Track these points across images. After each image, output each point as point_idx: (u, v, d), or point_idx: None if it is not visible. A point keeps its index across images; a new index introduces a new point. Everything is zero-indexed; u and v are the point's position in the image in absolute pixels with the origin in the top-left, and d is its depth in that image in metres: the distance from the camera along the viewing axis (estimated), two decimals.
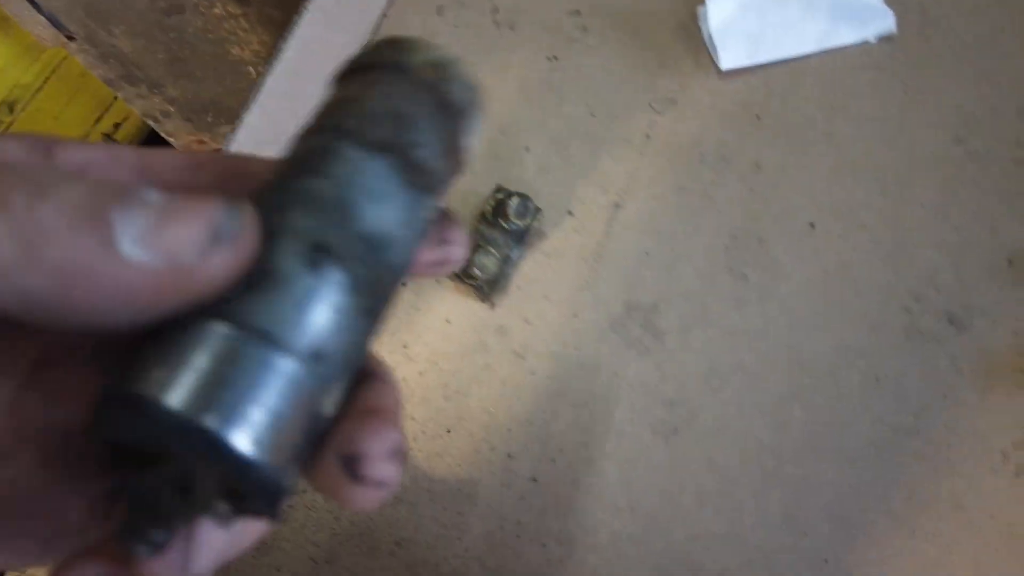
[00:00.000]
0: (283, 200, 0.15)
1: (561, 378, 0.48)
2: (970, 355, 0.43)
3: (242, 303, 0.14)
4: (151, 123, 0.98)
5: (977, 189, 0.47)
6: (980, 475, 0.41)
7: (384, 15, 0.59)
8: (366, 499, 0.15)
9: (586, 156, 0.51)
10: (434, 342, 0.50)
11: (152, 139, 1.05)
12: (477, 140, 0.20)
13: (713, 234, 0.48)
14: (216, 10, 0.82)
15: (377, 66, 0.18)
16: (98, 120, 1.04)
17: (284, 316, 0.14)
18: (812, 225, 0.47)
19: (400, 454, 0.15)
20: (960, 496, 0.41)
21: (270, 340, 0.14)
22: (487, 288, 0.48)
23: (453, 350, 0.49)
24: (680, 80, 0.52)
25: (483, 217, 0.49)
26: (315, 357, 0.14)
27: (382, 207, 0.16)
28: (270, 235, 0.14)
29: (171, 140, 0.99)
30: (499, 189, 0.49)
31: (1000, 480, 0.42)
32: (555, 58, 0.54)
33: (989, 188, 0.47)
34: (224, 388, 0.13)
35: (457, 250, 0.18)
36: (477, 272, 0.47)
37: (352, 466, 0.15)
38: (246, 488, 0.14)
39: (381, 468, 0.15)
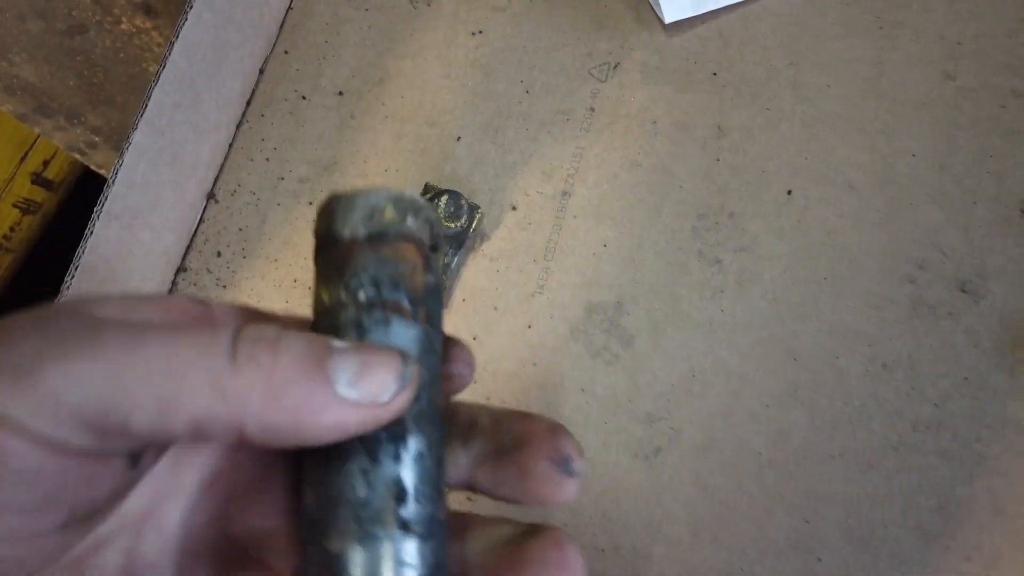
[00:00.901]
0: None
1: (520, 400, 0.41)
2: (990, 327, 0.37)
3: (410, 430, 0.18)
4: (78, 156, 0.91)
5: (976, 131, 0.40)
6: (1020, 470, 0.34)
7: (290, 7, 0.52)
8: (577, 490, 0.19)
9: (525, 140, 0.44)
10: None
11: (86, 175, 0.98)
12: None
13: (677, 214, 0.41)
14: (123, 26, 0.75)
15: (341, 241, 0.19)
16: (23, 159, 0.96)
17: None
18: (789, 192, 0.41)
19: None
20: (999, 498, 0.34)
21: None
22: None
23: None
24: (621, 40, 0.45)
25: None
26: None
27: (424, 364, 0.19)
28: None
29: (102, 172, 0.92)
30: (427, 188, 0.42)
31: None
32: (479, 32, 0.47)
33: (989, 128, 0.40)
34: None
35: (468, 373, 0.21)
36: None
37: (565, 465, 0.18)
38: None
39: (580, 462, 0.19)
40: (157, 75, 0.45)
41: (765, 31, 0.43)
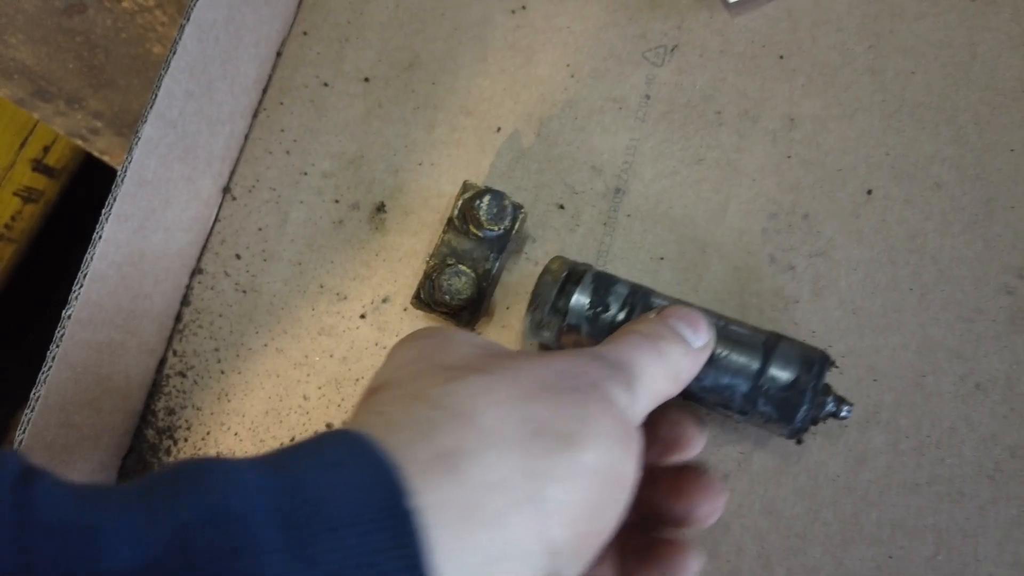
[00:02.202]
0: None
1: None
2: None
3: None
4: (79, 142, 0.87)
5: None
6: None
7: None
8: None
9: (571, 131, 0.40)
10: None
11: (89, 161, 0.94)
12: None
13: (745, 214, 0.37)
14: (124, 4, 0.70)
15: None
16: (23, 146, 0.92)
17: None
18: (869, 192, 0.37)
19: None
20: None
21: None
22: (464, 315, 0.38)
23: None
24: (679, 21, 0.41)
25: (450, 224, 0.38)
26: None
27: None
28: None
29: (105, 159, 0.88)
30: (465, 187, 0.38)
31: None
32: (520, 9, 0.43)
33: None
34: None
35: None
36: (447, 298, 0.37)
37: None
38: None
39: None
40: (167, 61, 0.41)
41: (840, 10, 0.39)
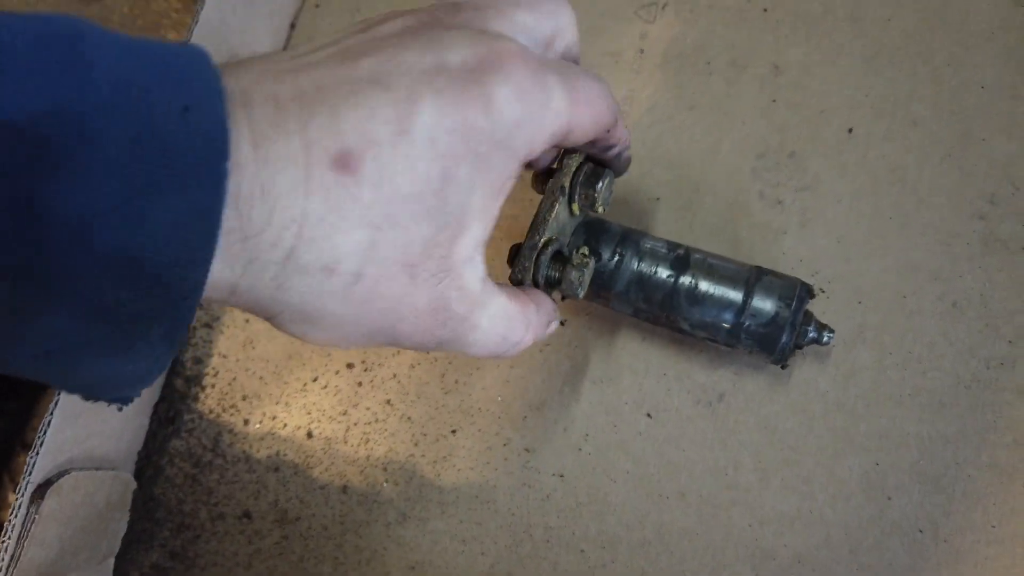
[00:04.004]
0: None
1: (577, 350, 0.40)
2: None
3: None
4: None
5: None
6: None
7: None
8: None
9: None
10: None
11: None
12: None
13: (736, 155, 0.40)
14: None
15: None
16: None
17: None
18: (850, 130, 0.39)
19: None
20: None
21: None
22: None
23: None
24: None
25: (560, 193, 0.30)
26: None
27: None
28: None
29: None
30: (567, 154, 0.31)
31: None
32: None
33: None
34: None
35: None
36: (577, 291, 0.30)
37: None
38: None
39: None
40: (190, 30, 0.43)
41: None
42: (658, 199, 0.40)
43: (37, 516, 0.35)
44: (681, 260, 0.34)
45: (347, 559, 0.41)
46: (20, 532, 0.34)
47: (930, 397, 0.36)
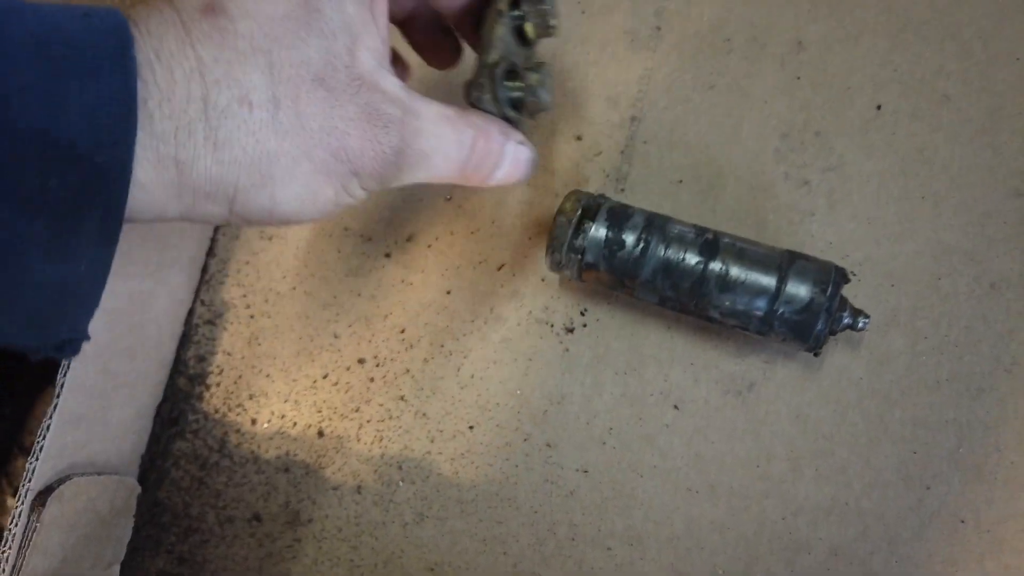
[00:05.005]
0: None
1: (602, 334, 0.39)
2: None
3: None
4: None
5: None
6: None
7: None
8: None
9: (585, 64, 0.41)
10: (435, 320, 0.41)
11: None
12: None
13: (758, 136, 0.39)
14: None
15: None
16: None
17: None
18: (878, 108, 0.38)
19: None
20: None
21: None
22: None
23: (459, 327, 0.40)
24: None
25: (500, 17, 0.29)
26: None
27: None
28: None
29: None
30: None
31: None
32: None
33: None
34: None
35: None
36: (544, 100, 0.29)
37: None
38: None
39: None
40: None
41: None
42: (680, 182, 0.39)
43: (39, 524, 0.33)
44: (710, 245, 0.32)
45: (363, 562, 0.39)
46: (21, 541, 0.33)
47: (968, 382, 0.34)
